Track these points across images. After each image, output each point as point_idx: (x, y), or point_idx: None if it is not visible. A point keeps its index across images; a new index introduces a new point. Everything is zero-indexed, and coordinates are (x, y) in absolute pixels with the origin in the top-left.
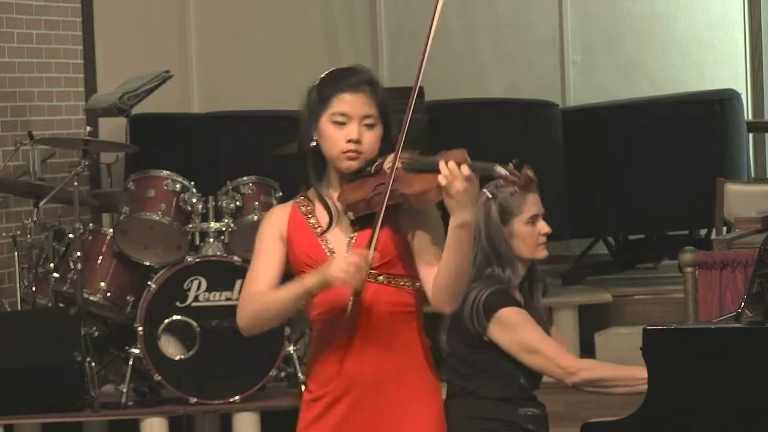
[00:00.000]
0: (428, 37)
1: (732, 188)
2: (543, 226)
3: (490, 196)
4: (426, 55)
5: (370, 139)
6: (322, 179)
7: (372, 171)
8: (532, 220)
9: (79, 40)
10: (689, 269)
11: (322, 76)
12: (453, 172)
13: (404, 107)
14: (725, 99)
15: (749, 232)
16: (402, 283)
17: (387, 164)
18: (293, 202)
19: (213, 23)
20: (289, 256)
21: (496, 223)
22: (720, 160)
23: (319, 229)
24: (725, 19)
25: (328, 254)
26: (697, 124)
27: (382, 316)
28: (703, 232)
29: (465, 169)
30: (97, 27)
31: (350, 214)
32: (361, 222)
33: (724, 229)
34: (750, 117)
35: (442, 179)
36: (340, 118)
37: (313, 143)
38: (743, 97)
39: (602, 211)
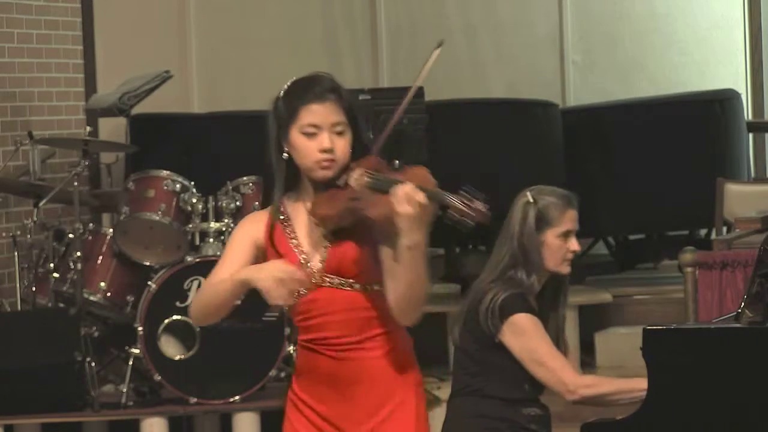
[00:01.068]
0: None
1: (732, 188)
2: (574, 244)
3: (532, 200)
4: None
5: (342, 145)
6: (296, 189)
7: (342, 184)
8: (566, 235)
9: (79, 40)
10: (689, 269)
11: (285, 88)
12: (404, 197)
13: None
14: (725, 99)
15: (749, 232)
16: (377, 288)
17: (353, 178)
18: (270, 211)
19: (213, 23)
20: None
21: (531, 229)
22: (720, 160)
23: (294, 241)
24: (725, 19)
25: (303, 263)
26: (697, 124)
27: (363, 321)
28: (703, 232)
29: (418, 196)
30: (97, 27)
31: (321, 228)
32: (334, 234)
33: (724, 229)
34: (750, 117)
35: (393, 201)
36: (310, 129)
37: (285, 155)
38: (743, 97)
39: (602, 211)
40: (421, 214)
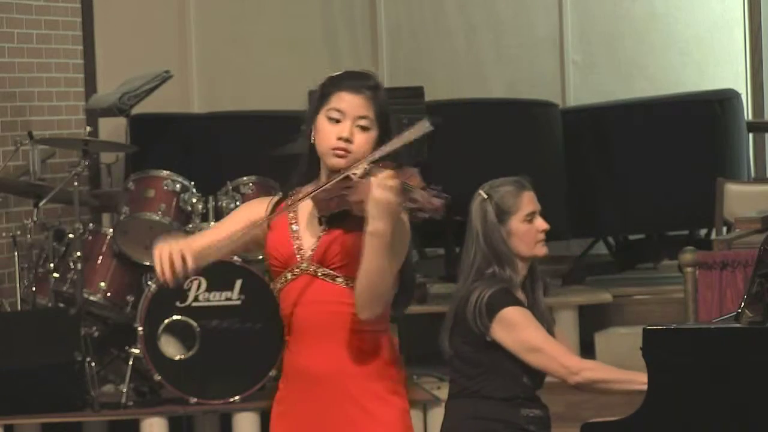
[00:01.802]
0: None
1: (732, 188)
2: (541, 223)
3: (486, 196)
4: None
5: (362, 140)
6: (314, 180)
7: (343, 173)
8: (529, 217)
9: (79, 40)
10: (689, 269)
11: (331, 74)
12: (379, 181)
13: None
14: (725, 99)
15: (749, 232)
16: None
17: (353, 169)
18: (279, 197)
19: (213, 23)
20: (265, 248)
21: (493, 223)
22: (720, 160)
23: (294, 226)
24: (725, 19)
25: (296, 251)
26: (697, 124)
27: (341, 316)
28: (703, 232)
29: (391, 181)
30: (97, 27)
31: (316, 210)
32: (329, 222)
33: (724, 229)
34: (750, 117)
35: (372, 186)
36: (335, 114)
37: (312, 140)
38: (743, 97)
39: (602, 211)
40: (389, 200)
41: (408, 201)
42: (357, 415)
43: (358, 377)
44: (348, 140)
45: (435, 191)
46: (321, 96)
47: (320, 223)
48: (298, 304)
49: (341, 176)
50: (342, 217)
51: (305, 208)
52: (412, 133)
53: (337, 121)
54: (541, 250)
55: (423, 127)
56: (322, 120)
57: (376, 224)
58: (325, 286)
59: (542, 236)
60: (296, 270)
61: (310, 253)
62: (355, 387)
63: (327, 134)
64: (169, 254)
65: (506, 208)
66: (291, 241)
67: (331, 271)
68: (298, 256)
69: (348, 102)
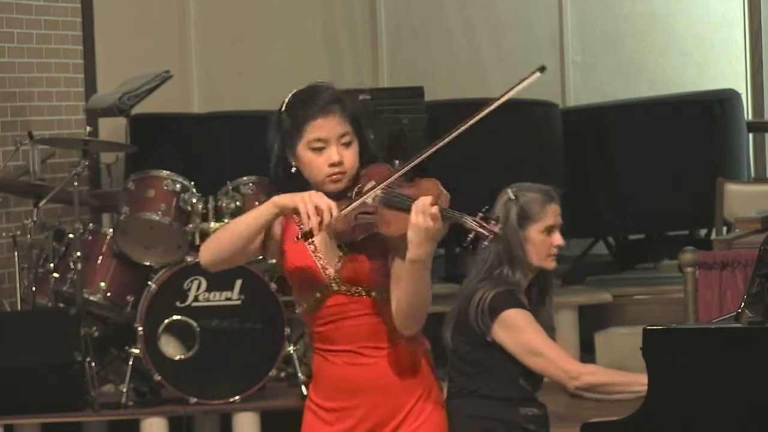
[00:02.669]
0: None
1: (732, 188)
2: (557, 238)
3: (513, 197)
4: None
5: (350, 156)
6: None
7: (353, 196)
8: (549, 230)
9: (79, 40)
10: (689, 269)
11: (287, 101)
12: (422, 209)
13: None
14: (725, 99)
15: (749, 232)
16: (387, 297)
17: (366, 192)
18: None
19: (213, 23)
20: (285, 267)
21: (514, 226)
22: (720, 160)
23: (311, 246)
24: (725, 19)
25: (321, 270)
26: (697, 124)
27: (379, 326)
28: (703, 232)
29: (434, 210)
30: (97, 27)
31: (335, 240)
32: (348, 246)
33: (724, 229)
34: (750, 117)
35: (413, 213)
36: (317, 144)
37: (293, 169)
38: (743, 97)
39: (602, 211)
40: (431, 228)
41: (459, 225)
42: (402, 423)
43: (405, 384)
44: (340, 163)
45: (482, 216)
46: (292, 127)
47: (340, 248)
48: (334, 321)
49: (358, 202)
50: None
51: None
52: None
53: (321, 149)
54: (551, 264)
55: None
56: (304, 152)
57: (417, 251)
58: (359, 300)
59: (555, 251)
60: (326, 290)
61: (335, 273)
62: (403, 394)
63: (317, 165)
64: (316, 205)
65: (530, 214)
66: (314, 261)
67: (363, 288)
68: (324, 275)
69: (324, 127)
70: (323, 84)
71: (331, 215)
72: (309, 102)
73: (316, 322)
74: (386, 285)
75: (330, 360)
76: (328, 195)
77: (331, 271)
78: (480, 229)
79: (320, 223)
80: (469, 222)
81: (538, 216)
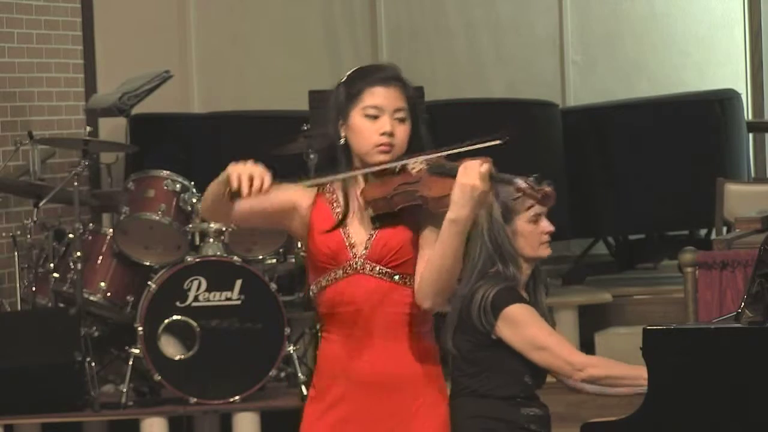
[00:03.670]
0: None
1: (732, 188)
2: (546, 225)
3: (492, 194)
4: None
5: (402, 133)
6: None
7: (396, 170)
8: (535, 218)
9: (79, 40)
10: (689, 269)
11: (349, 73)
12: (472, 168)
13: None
14: (725, 99)
15: (749, 232)
16: (412, 284)
17: (411, 166)
18: (317, 191)
19: (213, 23)
20: (309, 243)
21: (499, 222)
22: (720, 160)
23: (342, 222)
24: (725, 19)
25: (348, 247)
26: (697, 124)
27: (396, 317)
28: (703, 232)
29: (483, 167)
30: (97, 27)
31: (370, 210)
32: (382, 220)
33: (724, 229)
34: (750, 117)
35: (460, 172)
36: (372, 111)
37: (342, 141)
38: (743, 97)
39: (602, 211)
40: (477, 187)
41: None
42: (407, 418)
43: (413, 379)
44: (391, 134)
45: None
46: (350, 94)
47: (372, 222)
48: (351, 303)
49: (400, 171)
50: (394, 215)
51: (352, 205)
52: (479, 143)
53: (375, 117)
54: (545, 252)
55: (492, 139)
56: (358, 119)
57: (459, 211)
58: (381, 284)
59: (547, 238)
60: (349, 269)
61: (364, 251)
62: (410, 389)
63: (368, 132)
64: (250, 173)
65: (512, 207)
66: (342, 237)
67: (389, 270)
68: (351, 253)
69: (383, 96)
70: (388, 63)
71: (262, 183)
72: (372, 72)
73: (331, 302)
74: (411, 271)
75: (339, 345)
76: (371, 175)
77: (359, 249)
78: (532, 192)
79: (250, 186)
80: (521, 183)
81: (521, 207)
